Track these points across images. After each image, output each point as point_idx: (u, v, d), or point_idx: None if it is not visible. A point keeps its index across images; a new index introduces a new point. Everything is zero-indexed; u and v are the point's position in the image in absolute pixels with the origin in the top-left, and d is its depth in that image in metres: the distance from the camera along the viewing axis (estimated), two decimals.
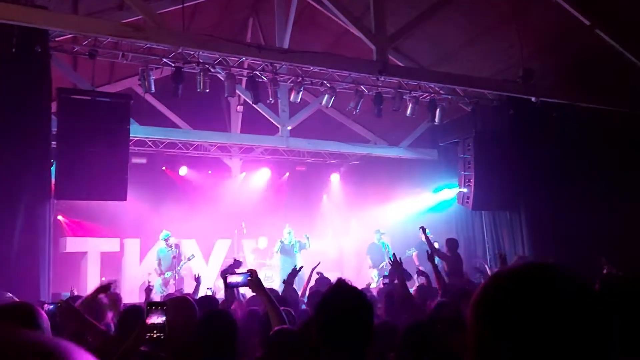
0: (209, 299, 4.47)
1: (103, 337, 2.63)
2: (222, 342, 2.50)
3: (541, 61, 8.71)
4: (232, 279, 3.06)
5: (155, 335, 2.28)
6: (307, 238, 10.72)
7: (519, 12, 8.09)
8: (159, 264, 9.73)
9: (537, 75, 8.64)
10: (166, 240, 9.82)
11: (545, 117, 8.91)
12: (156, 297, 7.62)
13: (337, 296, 1.85)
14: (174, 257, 9.78)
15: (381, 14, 7.39)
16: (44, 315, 1.58)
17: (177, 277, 9.71)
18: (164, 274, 9.60)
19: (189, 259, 10.01)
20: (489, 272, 8.02)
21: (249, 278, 2.93)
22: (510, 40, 8.52)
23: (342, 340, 1.76)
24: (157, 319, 2.30)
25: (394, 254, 6.75)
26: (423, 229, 8.00)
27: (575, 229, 8.50)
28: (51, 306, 2.96)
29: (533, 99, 8.65)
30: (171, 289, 9.15)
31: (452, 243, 8.19)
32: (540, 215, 9.02)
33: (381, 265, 10.34)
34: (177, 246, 10.02)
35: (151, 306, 2.34)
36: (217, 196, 12.18)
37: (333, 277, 10.33)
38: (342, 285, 1.90)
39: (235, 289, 4.84)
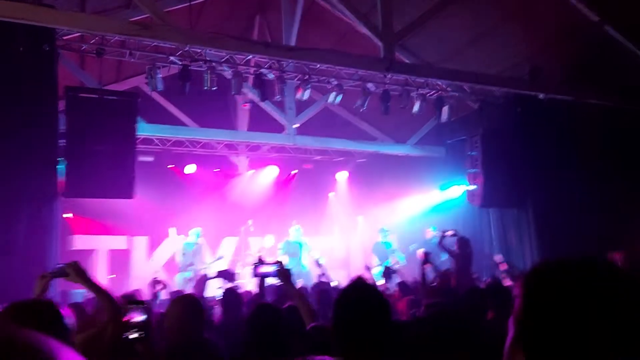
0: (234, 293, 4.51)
1: (114, 306, 2.54)
2: (271, 337, 2.51)
3: (549, 58, 8.64)
4: (262, 269, 3.07)
5: (134, 334, 2.23)
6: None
7: (526, 8, 8.02)
8: (184, 259, 9.75)
9: (545, 72, 8.57)
10: (198, 238, 9.90)
11: (553, 115, 8.85)
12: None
13: (354, 294, 1.84)
14: (184, 254, 9.80)
15: (388, 11, 7.37)
16: (68, 312, 1.57)
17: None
18: (185, 270, 9.64)
19: (218, 259, 10.03)
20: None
21: (278, 269, 2.95)
22: (517, 37, 8.46)
23: (360, 339, 1.74)
24: (136, 317, 2.25)
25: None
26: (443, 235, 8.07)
27: (583, 227, 8.43)
28: (62, 266, 2.83)
29: (541, 96, 8.60)
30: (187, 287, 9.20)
31: (462, 242, 8.14)
32: (548, 213, 8.97)
33: (385, 263, 10.35)
34: (199, 246, 10.08)
35: (130, 304, 2.29)
36: (224, 194, 12.22)
37: (340, 275, 10.34)
38: (359, 283, 1.89)
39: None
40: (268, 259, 3.40)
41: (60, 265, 2.73)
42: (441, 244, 8.07)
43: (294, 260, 10.18)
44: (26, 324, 1.44)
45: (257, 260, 3.32)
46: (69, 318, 1.54)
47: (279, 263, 2.99)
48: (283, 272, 2.94)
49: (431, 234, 10.37)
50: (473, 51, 9.15)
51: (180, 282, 9.37)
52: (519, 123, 9.29)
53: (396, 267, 10.57)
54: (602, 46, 7.96)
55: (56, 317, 1.50)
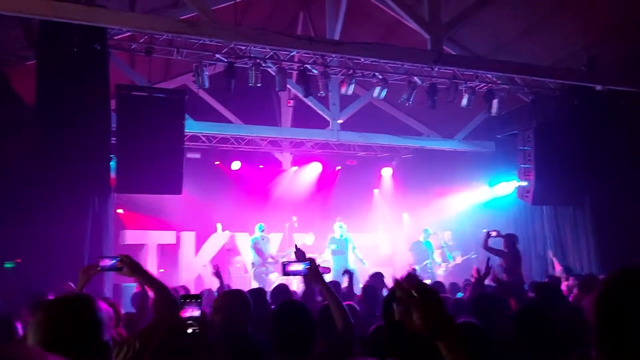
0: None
1: (171, 299, 2.51)
2: (296, 334, 2.45)
3: (607, 48, 8.16)
4: (292, 267, 3.00)
5: (190, 329, 2.23)
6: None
7: None
8: (259, 253, 9.98)
9: (603, 63, 8.12)
10: (262, 231, 10.10)
11: (612, 107, 8.36)
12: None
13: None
14: (256, 249, 10.05)
15: (436, 1, 7.16)
16: (103, 306, 1.57)
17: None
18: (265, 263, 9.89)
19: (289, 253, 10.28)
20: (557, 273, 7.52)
21: (309, 267, 2.87)
22: (572, 26, 8.04)
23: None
24: (192, 312, 2.25)
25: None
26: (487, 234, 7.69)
27: None
28: (113, 261, 2.74)
29: (598, 87, 8.14)
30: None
31: (510, 239, 7.80)
32: (606, 212, 8.49)
33: (424, 263, 10.20)
34: (267, 239, 10.29)
35: (185, 299, 2.29)
36: (269, 190, 12.29)
37: (386, 272, 10.23)
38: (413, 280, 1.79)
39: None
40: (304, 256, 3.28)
41: (111, 260, 2.74)
42: (486, 245, 7.70)
43: (341, 257, 10.11)
44: (61, 320, 1.45)
45: (287, 259, 3.24)
46: (104, 312, 1.53)
47: (309, 261, 2.90)
48: (313, 271, 2.85)
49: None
50: (525, 42, 8.76)
51: (258, 278, 9.62)
52: (575, 116, 8.85)
53: (445, 266, 10.34)
54: None
55: (91, 313, 1.49)
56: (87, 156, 6.61)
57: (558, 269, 7.51)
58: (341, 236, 10.37)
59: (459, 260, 10.35)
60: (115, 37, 7.26)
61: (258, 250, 9.95)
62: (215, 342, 2.70)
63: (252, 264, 10.01)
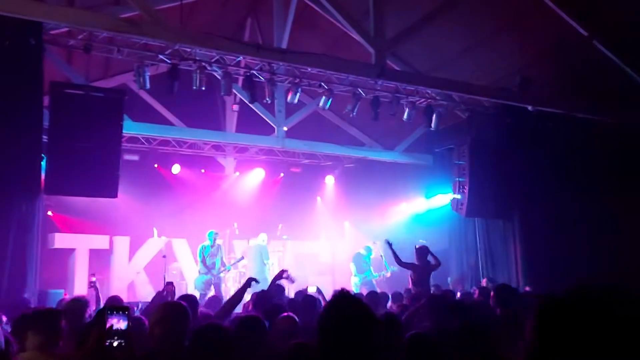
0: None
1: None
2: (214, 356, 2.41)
3: (539, 70, 8.70)
4: None
5: (114, 342, 2.15)
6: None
7: (518, 21, 8.08)
8: (203, 262, 9.60)
9: (535, 85, 8.63)
10: (214, 240, 9.77)
11: (542, 127, 8.91)
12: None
13: (339, 308, 1.77)
14: (203, 257, 9.68)
15: (381, 17, 7.36)
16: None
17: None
18: (211, 272, 9.53)
19: (239, 260, 10.13)
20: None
21: None
22: (508, 48, 8.51)
23: (345, 353, 1.69)
24: (117, 323, 2.16)
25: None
26: (389, 243, 8.03)
27: (569, 241, 8.48)
28: None
29: (530, 108, 8.65)
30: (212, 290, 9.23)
31: (420, 251, 8.00)
32: (533, 225, 9.02)
33: (365, 274, 10.42)
34: (218, 248, 9.93)
35: (112, 310, 2.21)
36: (210, 195, 12.08)
37: (325, 281, 10.27)
38: (343, 296, 1.83)
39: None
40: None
41: None
42: (396, 256, 7.97)
43: (255, 266, 10.20)
44: None
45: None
46: None
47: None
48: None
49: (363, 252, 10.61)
50: (464, 61, 9.18)
51: (200, 286, 9.32)
52: (507, 134, 9.34)
53: (385, 276, 10.59)
54: (591, 60, 8.04)
55: None
56: (15, 155, 6.23)
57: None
58: (259, 245, 10.54)
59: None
60: (52, 32, 6.92)
61: (203, 259, 9.68)
62: (154, 354, 2.64)
63: (199, 271, 9.75)
